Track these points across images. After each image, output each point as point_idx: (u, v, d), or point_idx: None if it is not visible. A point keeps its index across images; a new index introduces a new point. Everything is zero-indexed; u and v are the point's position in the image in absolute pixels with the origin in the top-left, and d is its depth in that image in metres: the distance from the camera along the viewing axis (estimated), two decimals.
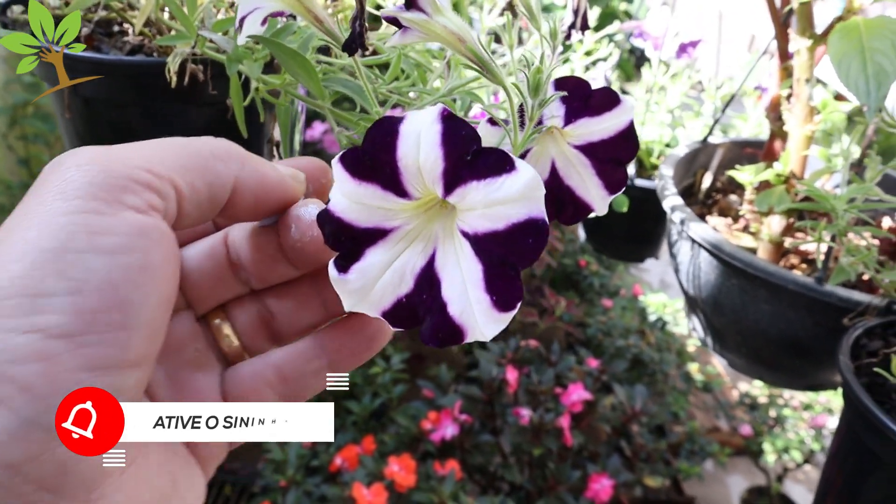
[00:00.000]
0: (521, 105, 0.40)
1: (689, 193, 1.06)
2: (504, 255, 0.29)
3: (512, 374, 1.98)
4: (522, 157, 0.47)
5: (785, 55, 0.86)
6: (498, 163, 0.29)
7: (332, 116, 0.50)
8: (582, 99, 0.43)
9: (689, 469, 2.07)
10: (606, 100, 0.44)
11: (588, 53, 1.37)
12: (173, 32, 0.63)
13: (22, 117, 1.79)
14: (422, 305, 0.32)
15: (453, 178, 0.29)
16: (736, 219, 0.97)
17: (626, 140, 0.45)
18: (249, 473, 2.14)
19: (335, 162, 0.31)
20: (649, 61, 1.44)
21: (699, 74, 1.42)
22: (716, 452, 2.16)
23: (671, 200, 0.88)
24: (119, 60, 0.63)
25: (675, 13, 1.36)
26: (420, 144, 0.30)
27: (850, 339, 0.70)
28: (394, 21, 0.41)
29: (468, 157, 0.29)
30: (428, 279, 0.32)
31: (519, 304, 0.30)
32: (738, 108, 1.48)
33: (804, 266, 0.89)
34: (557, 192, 0.48)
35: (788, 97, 0.82)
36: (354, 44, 0.43)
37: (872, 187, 0.66)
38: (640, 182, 1.22)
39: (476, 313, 0.30)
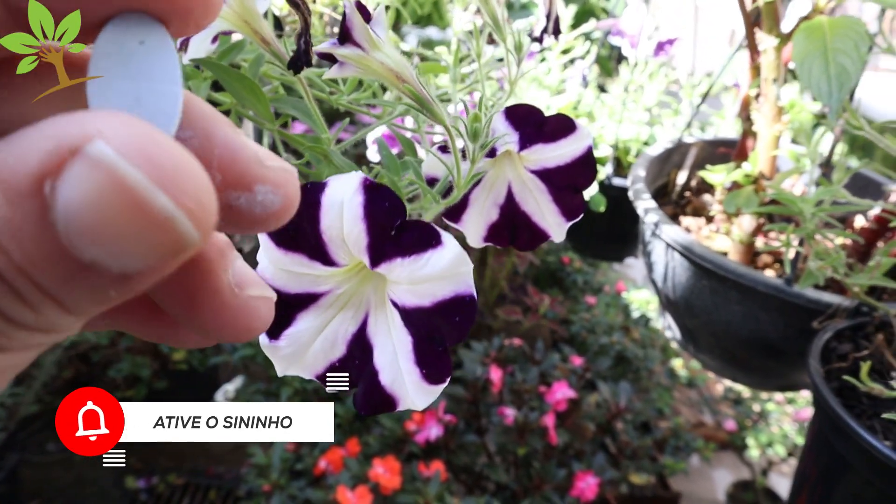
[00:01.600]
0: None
1: (662, 193, 1.06)
2: (432, 330, 0.29)
3: (496, 374, 1.98)
4: (476, 183, 0.46)
5: (755, 53, 0.85)
6: (423, 238, 0.28)
7: (279, 139, 0.49)
8: (535, 126, 0.42)
9: (675, 465, 2.08)
10: (561, 126, 0.43)
11: (565, 52, 1.37)
12: None
13: None
14: (354, 370, 0.32)
15: (378, 252, 0.29)
16: (709, 219, 0.97)
17: (584, 167, 0.44)
18: (233, 478, 2.13)
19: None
20: (626, 61, 1.43)
21: (676, 73, 1.42)
22: (701, 448, 2.16)
23: (644, 203, 0.87)
24: None
25: (651, 9, 1.35)
26: (343, 217, 0.29)
27: (819, 343, 0.69)
28: (328, 57, 0.40)
29: (392, 232, 0.28)
30: (360, 345, 0.32)
31: (448, 378, 0.29)
32: (717, 105, 1.48)
33: (777, 265, 0.89)
34: (513, 217, 0.47)
35: (757, 97, 0.81)
36: (300, 61, 0.42)
37: (839, 189, 0.66)
38: (617, 181, 1.22)
39: (407, 384, 0.30)
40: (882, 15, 0.74)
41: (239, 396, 1.97)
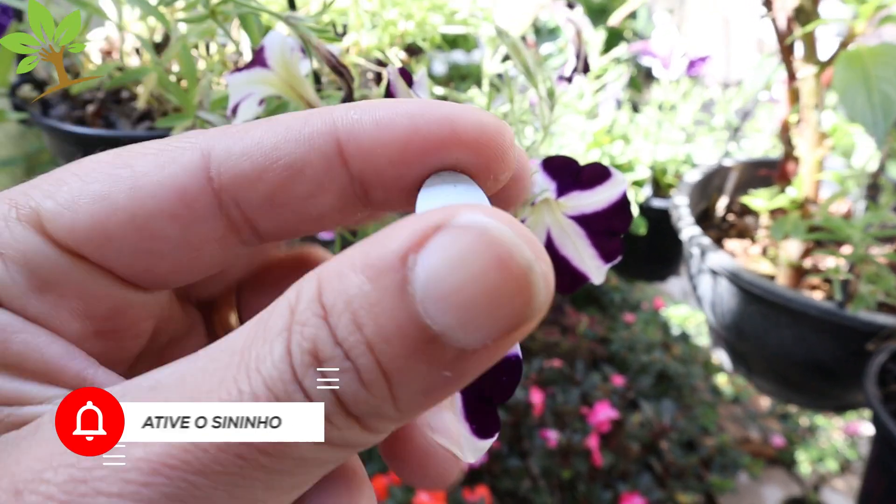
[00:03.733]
0: None
1: (705, 217, 1.06)
2: (482, 390, 0.30)
3: (537, 396, 1.98)
4: None
5: (793, 77, 0.86)
6: None
7: None
8: (571, 175, 0.44)
9: (723, 483, 2.05)
10: (597, 174, 0.45)
11: (598, 76, 1.38)
12: (174, 108, 0.65)
13: (38, 164, 1.84)
14: None
15: None
16: (755, 240, 0.97)
17: (620, 212, 0.46)
18: None
19: None
20: (658, 80, 1.44)
21: (709, 90, 1.42)
22: (748, 465, 2.13)
23: (688, 231, 0.88)
24: (124, 135, 0.65)
25: (680, 21, 1.36)
26: None
27: (875, 366, 0.69)
28: None
29: None
30: None
31: (497, 434, 0.30)
32: (750, 116, 1.47)
33: (826, 286, 0.89)
34: (554, 262, 0.49)
35: (797, 122, 0.82)
36: None
37: (887, 212, 0.66)
38: (656, 202, 1.22)
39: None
40: None
41: None
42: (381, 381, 0.16)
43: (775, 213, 0.88)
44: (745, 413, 2.34)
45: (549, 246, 0.50)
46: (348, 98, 0.45)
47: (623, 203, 0.46)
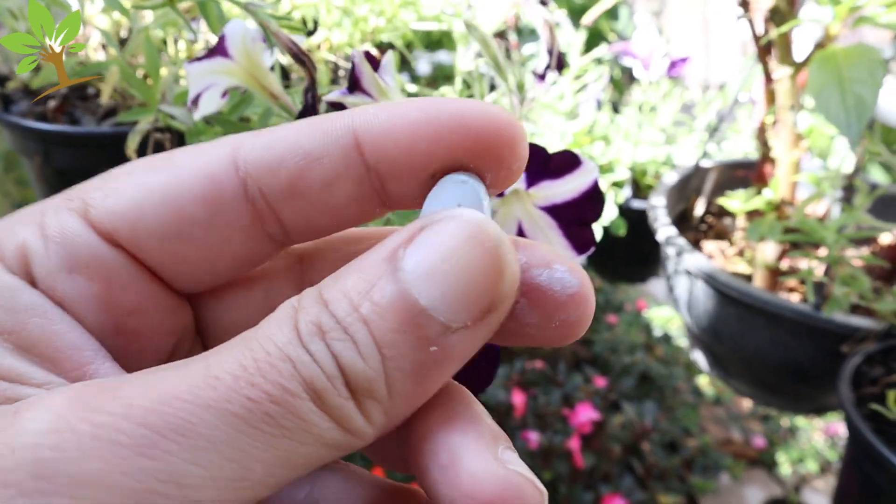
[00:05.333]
0: None
1: (683, 219, 1.06)
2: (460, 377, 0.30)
3: (519, 398, 1.97)
4: None
5: (770, 78, 0.86)
6: None
7: None
8: (540, 163, 0.43)
9: (704, 484, 2.05)
10: (566, 162, 0.44)
11: (578, 76, 1.38)
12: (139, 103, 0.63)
13: (17, 162, 1.81)
14: None
15: None
16: (732, 242, 0.97)
17: (591, 201, 0.45)
18: None
19: None
20: (638, 81, 1.44)
21: (689, 91, 1.42)
22: (730, 466, 2.13)
23: (664, 232, 0.87)
24: (87, 132, 0.63)
25: (662, 22, 1.35)
26: None
27: (849, 368, 0.69)
28: (339, 106, 0.41)
29: None
30: None
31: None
32: (730, 117, 1.47)
33: (803, 287, 0.88)
34: None
35: (774, 123, 0.81)
36: (308, 114, 0.43)
37: (861, 214, 0.65)
38: (636, 203, 1.22)
39: None
40: None
41: None
42: (375, 355, 0.18)
43: (752, 214, 0.88)
44: (728, 414, 2.34)
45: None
46: (311, 88, 0.43)
47: (594, 191, 0.45)
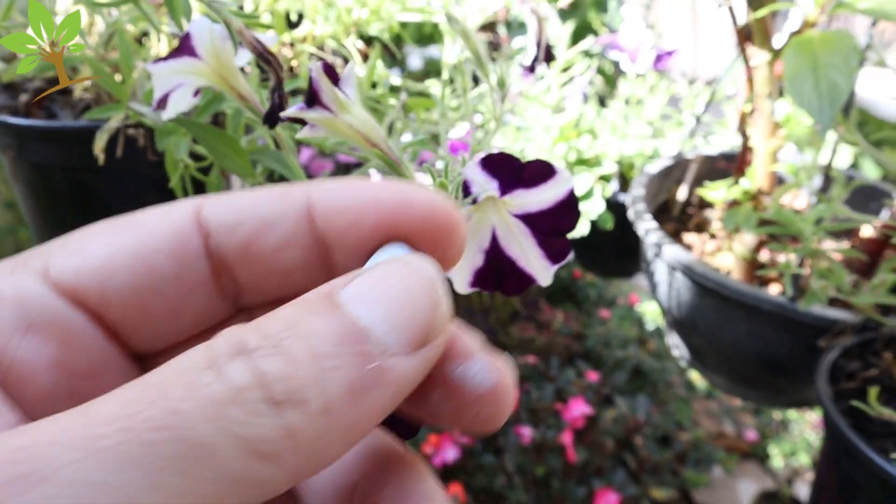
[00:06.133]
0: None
1: (664, 210, 1.05)
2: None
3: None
4: None
5: (749, 67, 0.85)
6: None
7: None
8: (512, 173, 0.42)
9: (697, 478, 2.05)
10: (540, 172, 0.43)
11: (565, 69, 1.36)
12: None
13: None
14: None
15: None
16: (713, 235, 0.96)
17: (566, 211, 0.44)
18: None
19: None
20: (625, 74, 1.43)
21: (676, 85, 1.41)
22: (723, 459, 2.13)
23: (644, 223, 0.86)
24: (63, 126, 0.63)
25: (649, 22, 1.34)
26: None
27: (827, 362, 0.68)
28: (297, 121, 0.40)
29: None
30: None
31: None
32: (719, 112, 1.46)
33: (782, 279, 0.88)
34: (499, 262, 0.47)
35: (752, 112, 0.80)
36: (274, 116, 0.42)
37: (838, 206, 0.65)
38: (623, 197, 1.21)
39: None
40: (874, 26, 0.73)
41: None
42: (310, 363, 0.17)
43: (731, 205, 0.87)
44: (720, 408, 2.34)
45: (495, 246, 0.48)
46: (277, 88, 0.42)
47: (569, 202, 0.44)
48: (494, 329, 2.22)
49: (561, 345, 2.26)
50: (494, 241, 0.49)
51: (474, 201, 0.43)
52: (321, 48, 0.79)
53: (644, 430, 2.05)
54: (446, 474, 1.89)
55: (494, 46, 1.53)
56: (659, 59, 1.44)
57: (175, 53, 0.46)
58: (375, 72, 0.75)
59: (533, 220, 0.47)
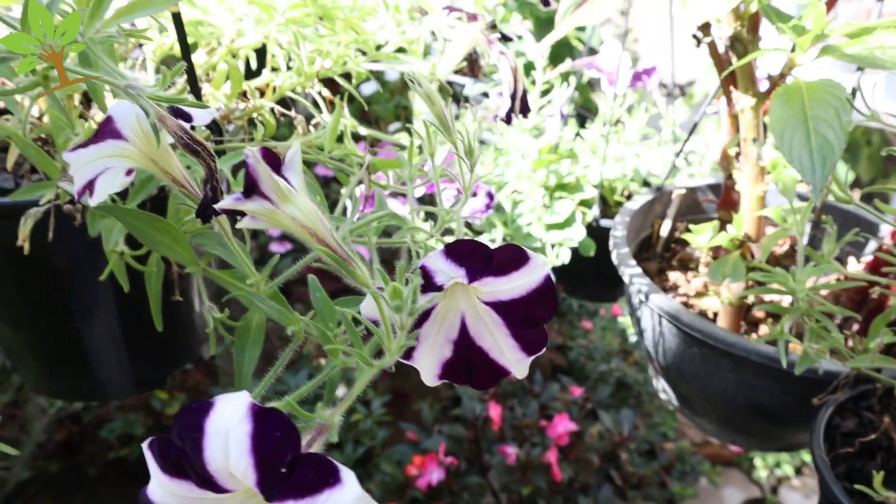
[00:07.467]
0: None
1: (647, 245, 1.03)
2: None
3: (495, 410, 1.94)
4: (426, 314, 0.42)
5: (732, 105, 0.82)
6: (319, 476, 0.26)
7: (201, 281, 0.45)
8: (480, 261, 0.39)
9: (683, 491, 2.04)
10: (511, 259, 0.39)
11: (544, 92, 1.34)
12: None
13: None
14: None
15: (270, 491, 0.26)
16: (697, 271, 0.94)
17: (541, 299, 0.41)
18: None
19: (145, 447, 0.28)
20: (604, 94, 1.41)
21: (656, 105, 1.39)
22: (708, 471, 2.13)
23: (629, 270, 0.84)
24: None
25: (628, 21, 1.30)
26: (229, 449, 0.26)
27: (822, 422, 0.66)
28: (235, 212, 0.36)
29: (283, 469, 0.25)
30: None
31: None
32: (697, 130, 1.45)
33: (770, 321, 0.86)
34: (468, 353, 0.44)
35: (737, 155, 0.78)
36: (208, 210, 0.38)
37: (831, 263, 0.62)
38: (605, 222, 1.18)
39: None
40: (861, 72, 0.71)
41: None
42: None
43: (717, 251, 0.85)
44: None
45: (464, 336, 0.44)
46: (210, 179, 0.38)
47: (545, 289, 0.40)
48: None
49: (544, 358, 2.24)
50: (464, 330, 0.45)
51: (440, 289, 0.39)
52: (281, 101, 0.75)
53: (629, 445, 2.04)
54: (432, 496, 1.86)
55: (473, 70, 1.49)
56: (637, 77, 1.42)
57: (97, 138, 0.42)
58: (341, 122, 0.71)
59: (505, 309, 0.43)
